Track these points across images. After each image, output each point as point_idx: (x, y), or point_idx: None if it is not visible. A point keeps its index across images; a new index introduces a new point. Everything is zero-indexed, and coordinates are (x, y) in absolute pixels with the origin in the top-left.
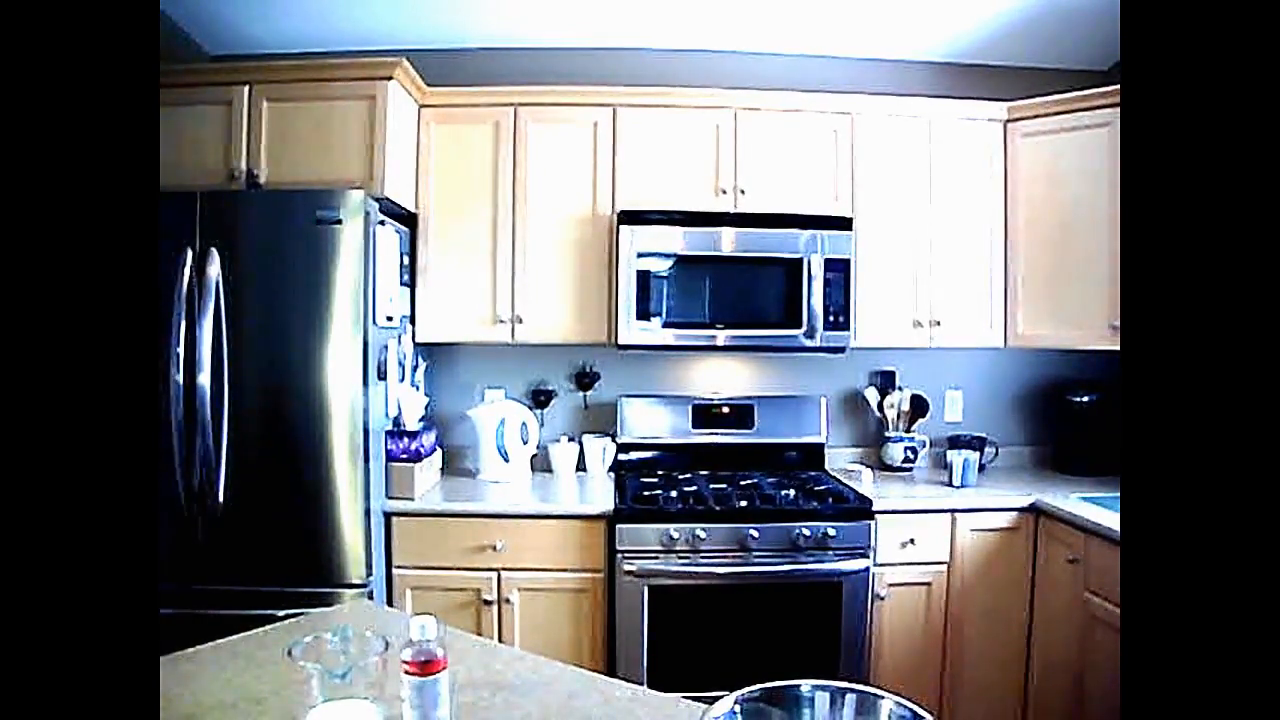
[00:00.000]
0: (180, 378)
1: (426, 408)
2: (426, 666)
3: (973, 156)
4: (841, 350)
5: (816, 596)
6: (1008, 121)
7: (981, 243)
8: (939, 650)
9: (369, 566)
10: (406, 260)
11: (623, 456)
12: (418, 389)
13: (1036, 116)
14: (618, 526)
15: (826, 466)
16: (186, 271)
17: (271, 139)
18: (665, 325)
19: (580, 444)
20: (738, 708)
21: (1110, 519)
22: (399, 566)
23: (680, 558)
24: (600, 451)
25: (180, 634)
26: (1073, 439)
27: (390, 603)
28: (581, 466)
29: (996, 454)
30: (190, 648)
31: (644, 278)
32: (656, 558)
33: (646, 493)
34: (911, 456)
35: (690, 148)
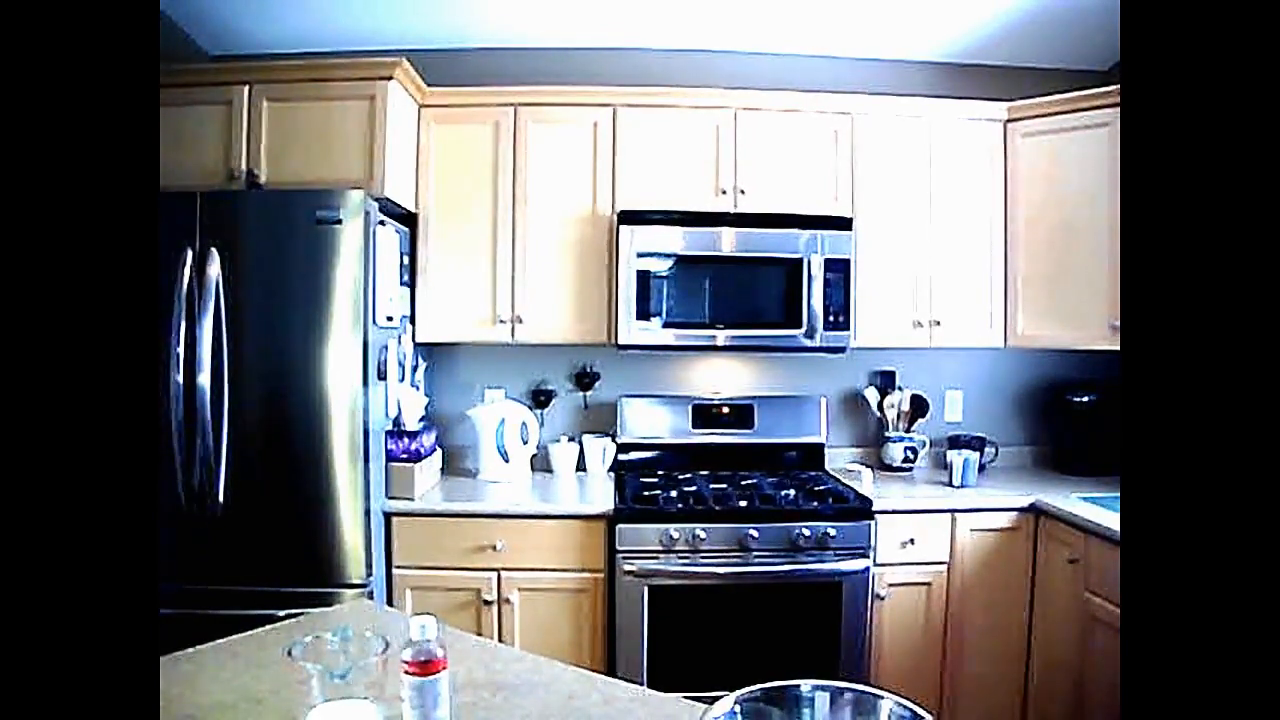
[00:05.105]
0: (180, 378)
1: (426, 408)
2: (426, 666)
3: (973, 156)
4: (841, 350)
5: (816, 596)
6: (1008, 121)
7: (981, 243)
8: (939, 650)
9: (369, 566)
10: (406, 260)
11: (623, 456)
12: (418, 389)
13: (1036, 116)
14: (618, 526)
15: (826, 466)
16: (186, 271)
17: (271, 139)
18: (665, 325)
19: (580, 444)
20: (738, 708)
21: (1110, 519)
22: (399, 566)
23: (680, 558)
24: (600, 451)
25: (180, 634)
26: (1073, 439)
27: (390, 603)
28: (581, 466)
29: (996, 454)
30: (190, 648)
31: (644, 278)
32: (656, 558)
33: (646, 493)
34: (911, 456)
35: (690, 148)
